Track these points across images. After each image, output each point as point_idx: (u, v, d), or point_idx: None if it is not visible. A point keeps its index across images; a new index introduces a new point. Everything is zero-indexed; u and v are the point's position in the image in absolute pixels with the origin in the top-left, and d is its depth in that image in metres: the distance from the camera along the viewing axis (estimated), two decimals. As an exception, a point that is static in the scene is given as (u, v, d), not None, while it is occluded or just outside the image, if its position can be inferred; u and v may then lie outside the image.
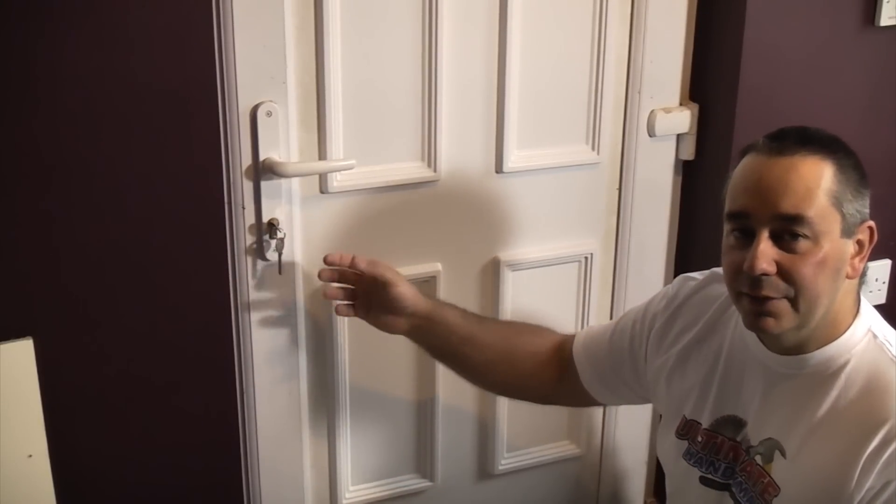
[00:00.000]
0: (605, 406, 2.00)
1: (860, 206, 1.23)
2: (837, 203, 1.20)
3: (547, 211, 1.86)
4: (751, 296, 1.22)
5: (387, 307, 1.57)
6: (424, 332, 1.60)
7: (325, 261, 1.56)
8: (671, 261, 1.99)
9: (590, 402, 1.61)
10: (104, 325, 1.55)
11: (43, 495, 1.55)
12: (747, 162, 1.25)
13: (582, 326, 1.92)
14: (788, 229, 1.19)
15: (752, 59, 1.79)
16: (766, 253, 1.19)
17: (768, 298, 1.21)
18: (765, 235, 1.20)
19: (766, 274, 1.19)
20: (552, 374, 1.60)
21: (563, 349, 1.60)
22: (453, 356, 1.62)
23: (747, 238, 1.22)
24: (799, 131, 1.24)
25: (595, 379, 1.57)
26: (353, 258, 1.55)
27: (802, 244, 1.19)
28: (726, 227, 1.26)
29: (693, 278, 1.48)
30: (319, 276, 1.59)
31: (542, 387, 1.62)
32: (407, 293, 1.56)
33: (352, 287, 1.60)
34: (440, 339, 1.60)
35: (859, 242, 1.24)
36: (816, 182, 1.19)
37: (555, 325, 1.68)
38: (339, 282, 1.60)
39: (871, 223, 1.24)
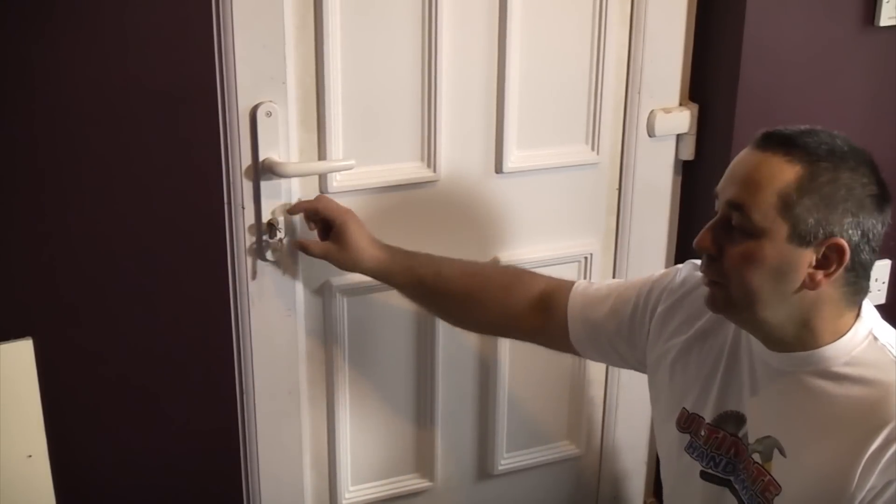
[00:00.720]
0: (607, 401, 2.02)
1: (827, 221, 1.19)
2: (786, 207, 1.19)
3: (547, 211, 1.86)
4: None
5: (354, 244, 1.59)
6: (386, 278, 1.62)
7: (290, 211, 1.61)
8: (671, 261, 1.99)
9: (573, 352, 1.59)
10: (104, 325, 1.55)
11: (43, 495, 1.55)
12: (740, 152, 1.28)
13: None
14: (732, 217, 1.23)
15: (752, 59, 1.79)
16: (709, 232, 1.25)
17: (709, 280, 1.29)
18: (718, 217, 1.25)
19: (701, 249, 1.26)
20: (535, 322, 1.58)
21: (551, 299, 1.57)
22: (421, 303, 1.67)
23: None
24: (791, 132, 1.23)
25: (586, 339, 1.54)
26: (316, 207, 1.60)
27: (737, 234, 1.22)
28: None
29: (697, 266, 1.45)
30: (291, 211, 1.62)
31: (523, 333, 1.63)
32: (359, 242, 1.58)
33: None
34: (404, 289, 1.64)
35: (825, 257, 1.21)
36: (769, 181, 1.20)
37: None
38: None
39: (840, 241, 1.19)
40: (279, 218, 1.61)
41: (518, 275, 1.64)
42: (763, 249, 1.20)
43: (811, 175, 1.19)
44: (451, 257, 1.64)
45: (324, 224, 1.61)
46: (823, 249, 1.20)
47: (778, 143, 1.22)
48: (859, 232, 1.20)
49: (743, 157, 1.25)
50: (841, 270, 1.21)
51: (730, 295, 1.25)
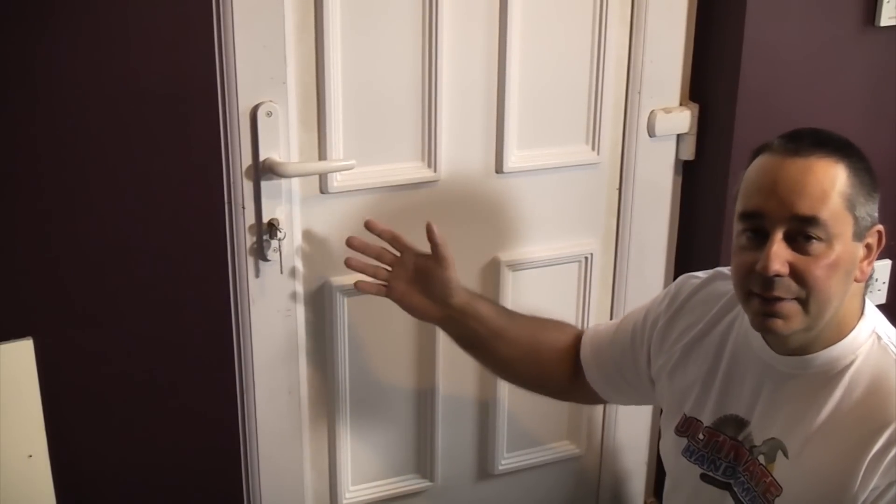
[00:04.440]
0: (614, 404, 2.02)
1: (871, 210, 1.22)
2: (850, 206, 1.20)
3: (547, 211, 1.86)
4: (762, 296, 1.21)
5: (429, 291, 1.57)
6: (456, 323, 1.59)
7: (367, 226, 1.56)
8: (671, 261, 1.99)
9: (599, 399, 1.62)
10: (104, 325, 1.55)
11: (43, 495, 1.55)
12: (762, 162, 1.24)
13: (582, 326, 1.92)
14: (803, 231, 1.19)
15: (752, 59, 1.79)
16: (780, 254, 1.19)
17: (779, 299, 1.20)
18: (779, 236, 1.19)
19: (779, 275, 1.19)
20: (568, 369, 1.61)
21: (574, 345, 1.62)
22: (482, 348, 1.62)
23: (760, 238, 1.21)
24: (814, 133, 1.24)
25: (599, 377, 1.57)
26: (398, 235, 1.57)
27: (816, 246, 1.19)
28: (738, 226, 1.25)
29: (696, 276, 1.48)
30: (352, 245, 1.57)
31: (560, 382, 1.62)
32: (456, 280, 1.56)
33: (386, 267, 1.59)
34: (470, 331, 1.60)
35: (868, 246, 1.24)
36: (832, 184, 1.19)
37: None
38: (374, 257, 1.59)
39: (881, 227, 1.24)
40: (282, 218, 1.61)
41: (561, 323, 1.66)
42: (837, 254, 1.19)
43: (853, 170, 1.21)
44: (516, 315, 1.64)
45: (406, 261, 1.57)
46: (867, 239, 1.23)
47: (811, 145, 1.21)
48: (877, 217, 1.24)
49: (779, 167, 1.21)
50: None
51: (808, 308, 1.21)
